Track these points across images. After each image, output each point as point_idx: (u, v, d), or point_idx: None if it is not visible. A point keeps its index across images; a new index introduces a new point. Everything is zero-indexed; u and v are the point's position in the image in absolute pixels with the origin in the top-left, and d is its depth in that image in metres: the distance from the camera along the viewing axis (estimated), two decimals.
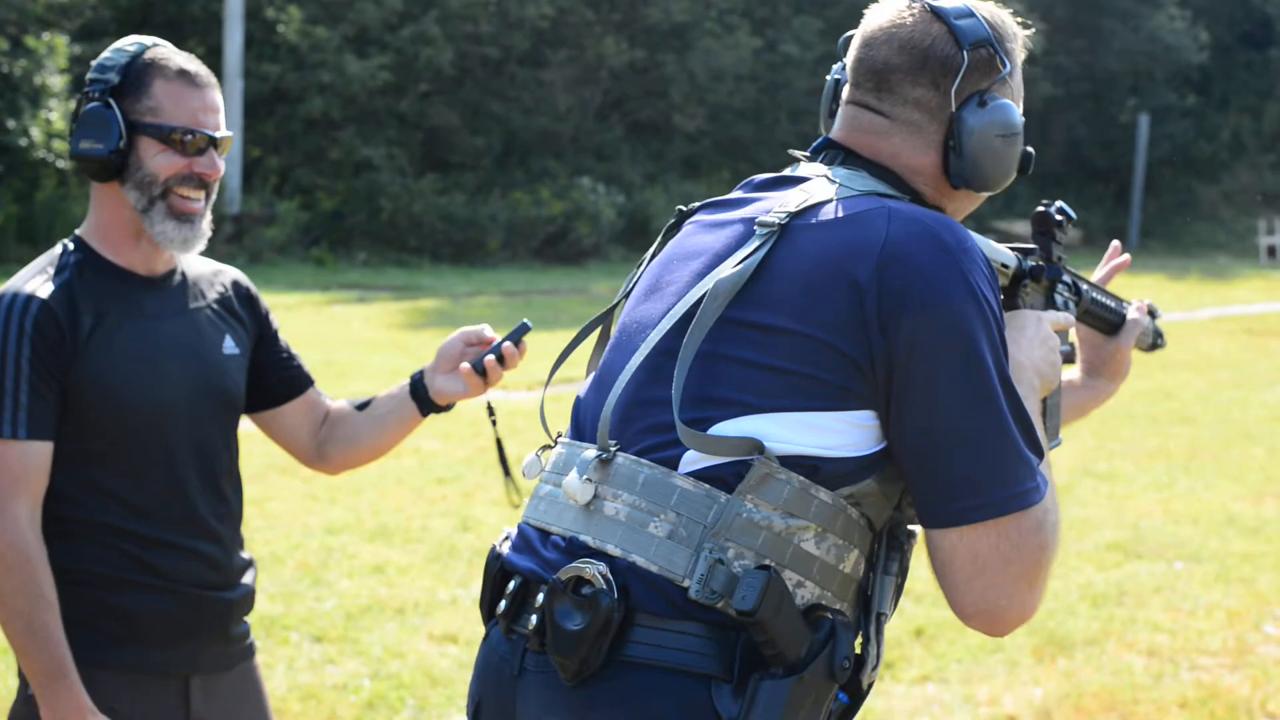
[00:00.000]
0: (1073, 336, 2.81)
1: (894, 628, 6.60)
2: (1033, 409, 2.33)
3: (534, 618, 2.19)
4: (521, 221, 30.87)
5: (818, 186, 2.32)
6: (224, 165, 3.14)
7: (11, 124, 25.27)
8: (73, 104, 20.74)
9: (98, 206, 3.13)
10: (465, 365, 3.21)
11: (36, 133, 25.27)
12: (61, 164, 25.48)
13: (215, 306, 3.26)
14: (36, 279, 3.04)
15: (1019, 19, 2.48)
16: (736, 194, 2.46)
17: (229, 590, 3.24)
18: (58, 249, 3.12)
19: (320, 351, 14.55)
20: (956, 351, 2.13)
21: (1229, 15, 46.01)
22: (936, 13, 2.36)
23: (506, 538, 2.39)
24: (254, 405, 3.39)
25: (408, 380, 3.36)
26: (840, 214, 2.23)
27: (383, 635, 6.64)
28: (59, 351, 2.97)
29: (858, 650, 2.23)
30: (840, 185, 2.31)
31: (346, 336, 17.14)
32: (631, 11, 35.03)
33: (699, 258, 2.35)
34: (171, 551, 3.13)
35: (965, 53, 2.33)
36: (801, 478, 2.13)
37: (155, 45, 3.13)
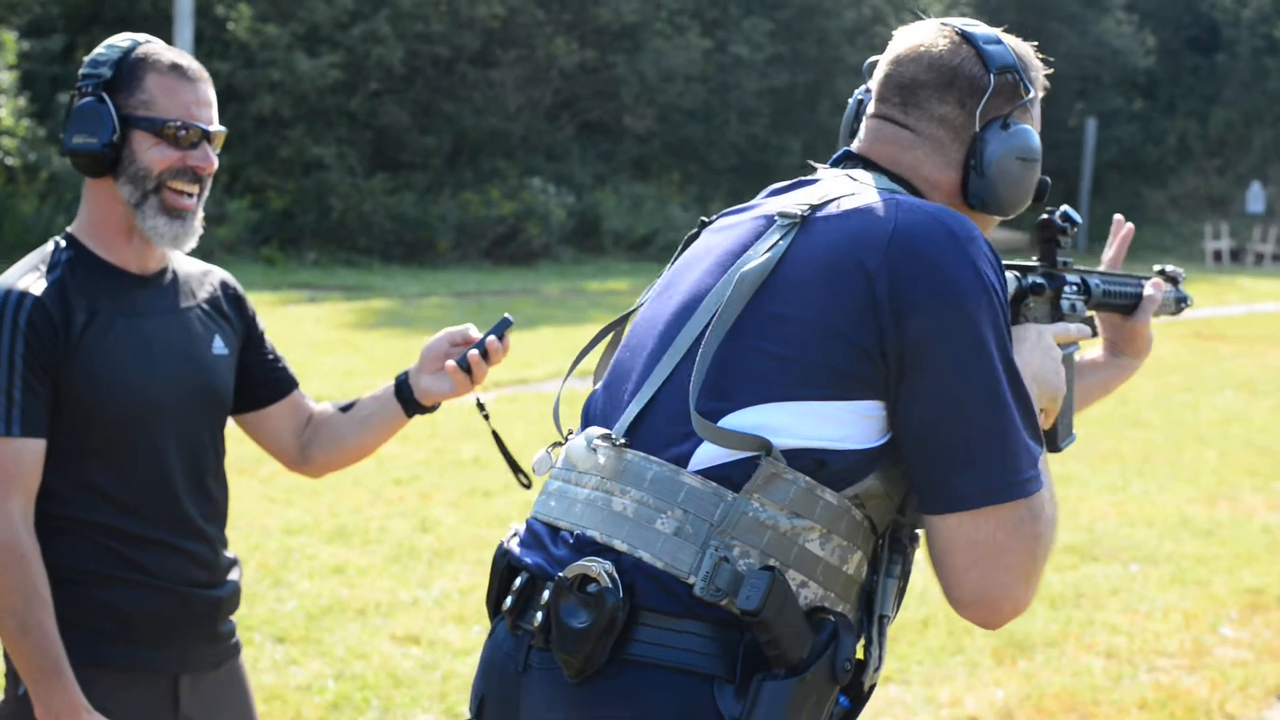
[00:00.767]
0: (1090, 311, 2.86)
1: None
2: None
3: (539, 614, 2.20)
4: (472, 222, 30.85)
5: (836, 183, 2.37)
6: (217, 160, 3.13)
7: None
8: (21, 101, 20.44)
9: (90, 203, 3.11)
10: (450, 363, 3.22)
11: None
12: (10, 161, 25.28)
13: (205, 306, 3.25)
14: (29, 276, 3.02)
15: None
16: (754, 200, 2.50)
17: (216, 588, 3.23)
18: (49, 246, 3.10)
19: None
20: (965, 340, 2.17)
21: (1176, 20, 46.38)
22: (966, 36, 2.43)
23: (514, 534, 2.40)
24: (239, 406, 3.37)
25: (392, 382, 3.35)
26: (853, 206, 2.26)
27: (345, 636, 6.63)
28: (52, 348, 2.96)
29: (860, 654, 2.25)
30: (858, 183, 2.35)
31: (299, 336, 17.08)
32: (582, 12, 35.05)
33: (710, 255, 2.38)
34: (160, 549, 3.12)
35: (992, 76, 2.40)
36: (808, 478, 2.15)
37: (148, 41, 3.11)
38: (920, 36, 2.46)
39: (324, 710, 5.78)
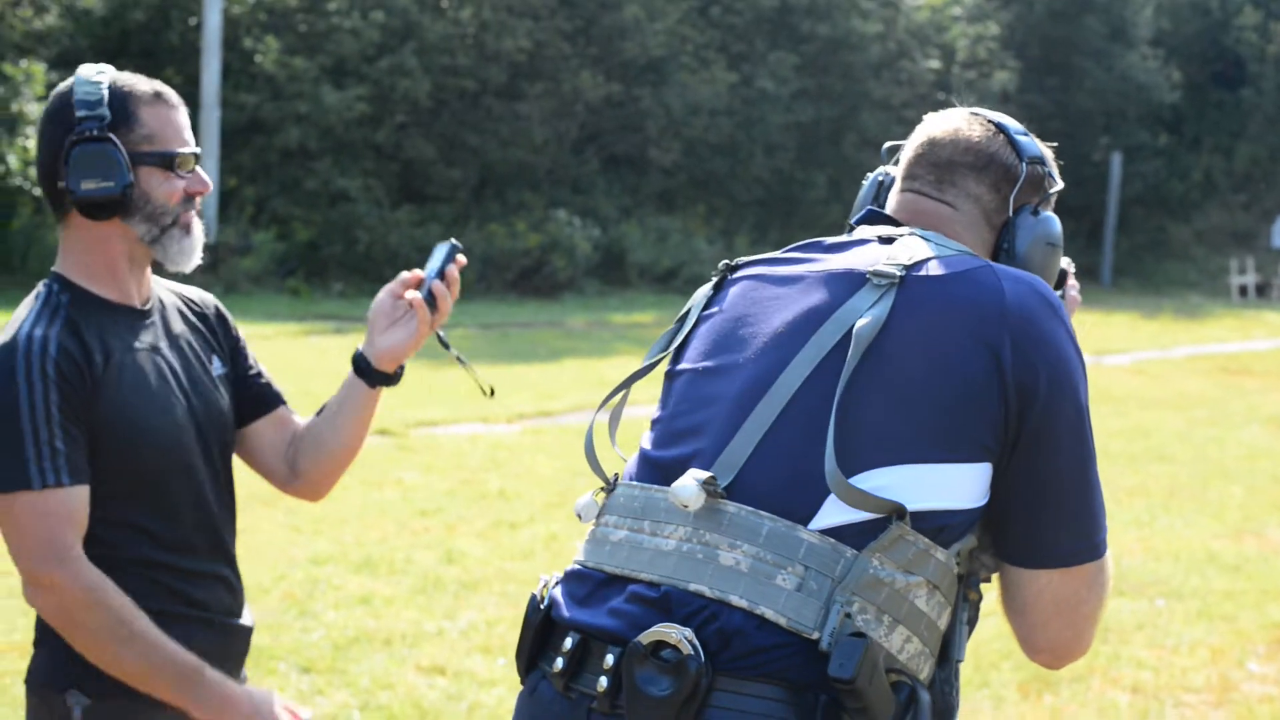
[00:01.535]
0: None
1: None
2: None
3: (604, 679, 2.18)
4: (497, 254, 30.87)
5: (914, 242, 2.39)
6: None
7: None
8: None
9: (83, 244, 3.05)
10: (413, 294, 3.19)
11: (14, 160, 25.12)
12: (38, 192, 25.37)
13: (196, 328, 3.23)
14: (41, 323, 2.96)
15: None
16: (793, 253, 2.50)
17: (240, 615, 3.24)
18: (41, 290, 3.04)
19: (297, 382, 14.51)
20: (1072, 409, 2.29)
21: (1201, 55, 46.34)
22: (999, 126, 2.54)
23: (549, 584, 2.39)
24: None
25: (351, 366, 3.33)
26: (948, 270, 2.31)
27: (371, 666, 6.64)
28: (81, 392, 2.93)
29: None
30: (934, 243, 2.39)
31: (323, 367, 17.07)
32: (608, 46, 35.13)
33: (786, 308, 2.38)
34: (208, 581, 3.12)
35: (1024, 165, 2.52)
36: (927, 539, 2.20)
37: (114, 71, 3.05)
38: (955, 122, 2.55)
39: None
